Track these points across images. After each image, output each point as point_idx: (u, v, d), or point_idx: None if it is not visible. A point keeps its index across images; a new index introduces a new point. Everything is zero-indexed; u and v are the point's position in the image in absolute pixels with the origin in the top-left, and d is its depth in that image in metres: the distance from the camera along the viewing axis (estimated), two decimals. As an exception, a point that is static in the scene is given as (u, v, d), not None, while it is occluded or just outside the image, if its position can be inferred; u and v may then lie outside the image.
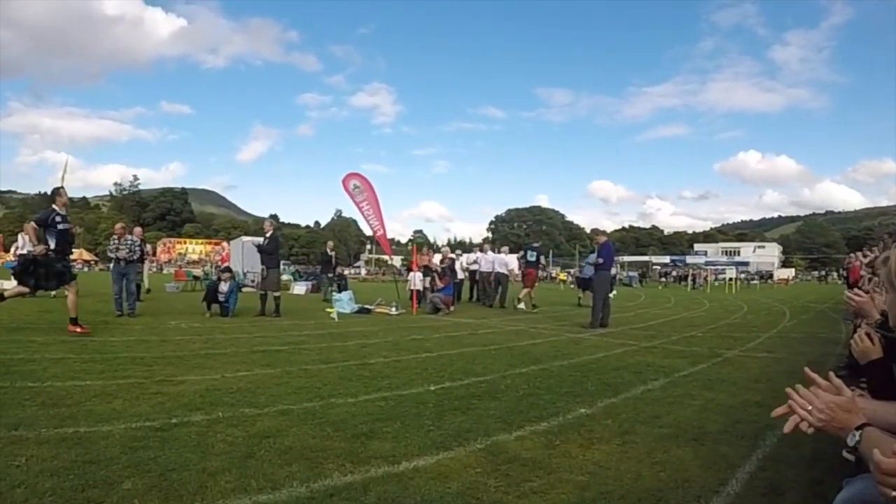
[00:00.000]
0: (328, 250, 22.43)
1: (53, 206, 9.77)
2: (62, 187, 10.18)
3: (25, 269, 9.44)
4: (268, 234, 15.43)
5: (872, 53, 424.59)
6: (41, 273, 9.36)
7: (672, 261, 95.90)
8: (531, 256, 19.67)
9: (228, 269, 14.86)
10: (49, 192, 10.75)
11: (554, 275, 57.50)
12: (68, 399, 5.18)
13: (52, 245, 9.46)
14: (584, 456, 4.03)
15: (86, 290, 16.94)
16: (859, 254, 17.27)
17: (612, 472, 3.71)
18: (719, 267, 61.79)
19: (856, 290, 3.41)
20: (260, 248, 15.21)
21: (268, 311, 14.41)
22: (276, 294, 14.87)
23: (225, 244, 38.59)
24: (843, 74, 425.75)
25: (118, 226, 14.30)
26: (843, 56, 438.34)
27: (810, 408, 1.72)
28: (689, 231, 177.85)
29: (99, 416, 4.67)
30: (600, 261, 13.72)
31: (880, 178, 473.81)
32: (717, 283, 45.39)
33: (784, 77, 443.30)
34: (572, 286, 34.23)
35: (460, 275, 19.67)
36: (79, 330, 9.42)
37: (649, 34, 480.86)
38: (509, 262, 21.01)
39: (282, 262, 16.73)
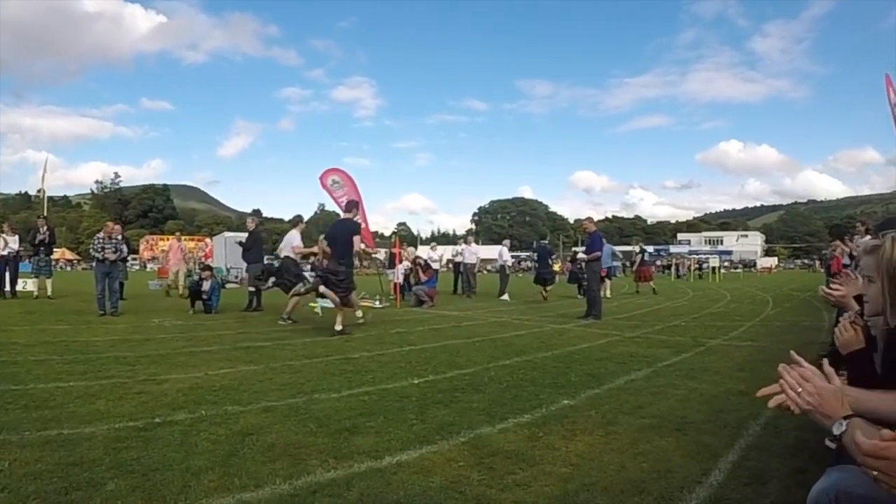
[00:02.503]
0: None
1: None
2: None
3: None
4: (250, 230, 15.54)
5: (852, 44, 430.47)
6: None
7: (656, 250, 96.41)
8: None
9: (209, 268, 14.81)
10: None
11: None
12: (51, 401, 5.14)
13: None
14: (568, 448, 4.04)
15: (68, 289, 16.94)
16: (839, 243, 17.40)
17: (595, 464, 3.72)
18: (702, 256, 62.04)
19: (833, 283, 3.42)
20: (241, 244, 15.35)
21: (252, 306, 14.55)
22: (251, 289, 15.01)
23: (208, 240, 38.22)
24: (823, 65, 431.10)
25: (109, 224, 14.15)
26: (823, 47, 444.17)
27: (800, 390, 1.73)
28: (672, 220, 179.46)
29: (82, 418, 4.64)
30: (598, 254, 13.66)
31: (861, 166, 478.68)
32: (700, 273, 45.51)
33: (764, 67, 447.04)
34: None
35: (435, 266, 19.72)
36: None
37: (630, 25, 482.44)
38: (504, 253, 21.42)
39: (265, 256, 16.67)
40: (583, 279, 17.09)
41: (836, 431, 1.64)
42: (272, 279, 13.95)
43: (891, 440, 1.30)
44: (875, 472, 1.28)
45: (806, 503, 1.83)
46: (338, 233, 10.79)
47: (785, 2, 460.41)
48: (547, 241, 25.65)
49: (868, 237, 11.79)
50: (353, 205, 11.24)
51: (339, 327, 9.92)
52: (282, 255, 13.84)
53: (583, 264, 15.77)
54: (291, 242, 13.34)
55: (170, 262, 16.46)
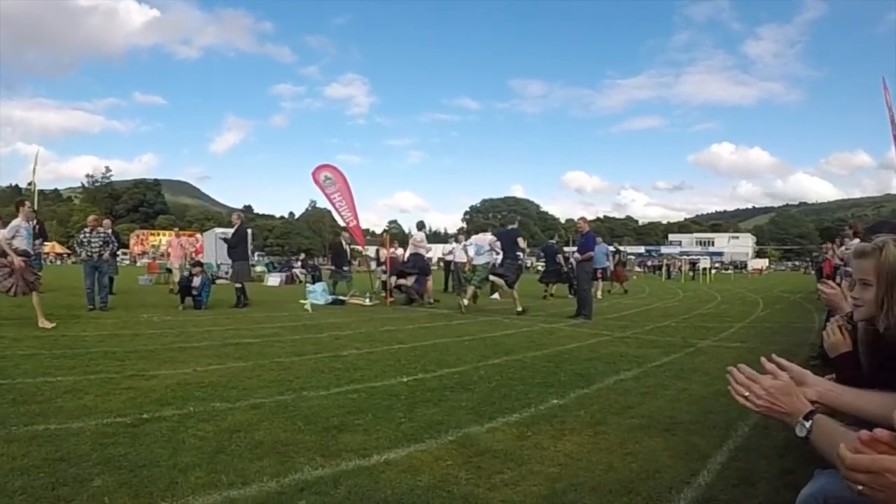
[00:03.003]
0: (343, 242, 19.69)
1: None
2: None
3: None
4: (235, 227, 15.55)
5: (845, 48, 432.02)
6: None
7: (647, 251, 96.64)
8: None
9: (199, 264, 14.80)
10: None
11: (528, 265, 57.80)
12: (39, 396, 5.12)
13: None
14: (556, 447, 4.04)
15: (58, 283, 16.86)
16: (831, 245, 17.45)
17: (583, 464, 3.73)
18: (694, 257, 62.20)
19: (829, 282, 3.43)
20: (226, 240, 15.44)
21: (241, 302, 14.61)
22: (237, 285, 15.07)
23: (199, 235, 38.07)
24: (816, 69, 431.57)
25: (90, 218, 14.10)
26: (816, 51, 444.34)
27: (747, 393, 1.71)
28: (664, 221, 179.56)
29: (70, 413, 4.62)
30: (591, 254, 13.79)
31: (853, 170, 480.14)
32: (692, 275, 45.60)
33: (757, 71, 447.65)
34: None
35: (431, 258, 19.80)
36: None
37: (624, 27, 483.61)
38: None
39: (256, 253, 16.70)
40: (573, 279, 17.19)
41: (799, 433, 1.62)
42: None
43: (869, 443, 1.29)
44: (860, 487, 1.27)
45: None
46: (504, 236, 14.50)
47: (778, 6, 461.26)
48: (555, 241, 25.61)
49: (857, 240, 11.86)
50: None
51: (519, 308, 13.59)
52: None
53: (573, 263, 15.84)
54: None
55: (171, 258, 16.35)
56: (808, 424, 1.60)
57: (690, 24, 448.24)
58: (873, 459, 1.24)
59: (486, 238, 14.89)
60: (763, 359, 1.86)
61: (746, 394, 1.70)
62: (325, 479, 3.37)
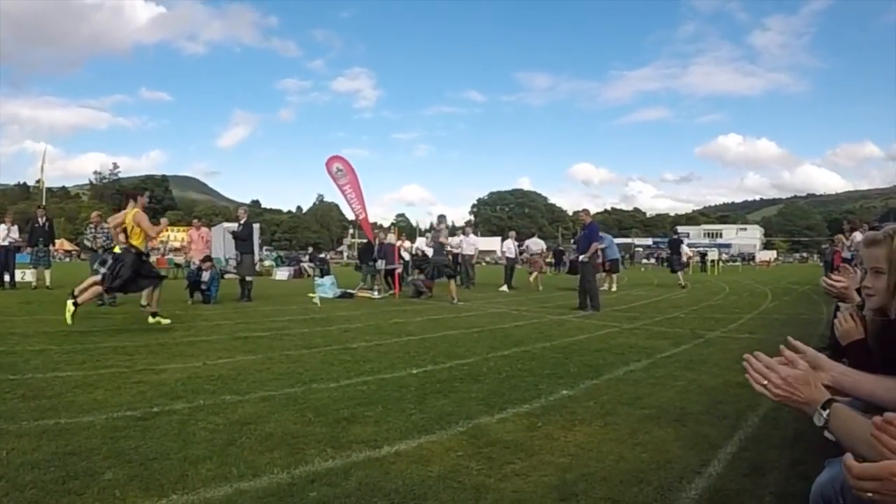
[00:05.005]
0: (391, 241, 18.37)
1: None
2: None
3: None
4: (242, 221, 15.71)
5: (852, 39, 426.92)
6: None
7: (654, 243, 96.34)
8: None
9: (208, 258, 14.82)
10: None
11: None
12: (49, 391, 5.13)
13: None
14: (566, 438, 4.04)
15: (67, 280, 16.85)
16: (841, 236, 17.34)
17: (593, 454, 3.72)
18: (701, 248, 62.00)
19: (834, 275, 3.41)
20: (235, 234, 15.55)
21: (245, 295, 14.71)
22: (249, 279, 15.16)
23: (205, 229, 38.10)
24: (824, 60, 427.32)
25: (94, 214, 14.17)
26: (823, 41, 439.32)
27: (765, 382, 1.70)
28: (672, 213, 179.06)
29: (80, 407, 4.63)
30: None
31: (861, 161, 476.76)
32: (702, 266, 45.45)
33: (764, 62, 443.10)
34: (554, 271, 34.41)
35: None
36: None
37: (629, 19, 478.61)
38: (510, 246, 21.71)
39: (265, 247, 16.72)
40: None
41: (817, 422, 1.61)
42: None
43: (883, 427, 1.27)
44: (869, 494, 1.26)
45: (810, 495, 1.81)
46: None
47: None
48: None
49: (855, 234, 11.84)
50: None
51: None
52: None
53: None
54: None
55: (191, 252, 16.32)
56: (825, 413, 1.59)
57: (697, 16, 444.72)
58: (880, 467, 1.23)
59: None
60: (782, 346, 1.84)
61: (765, 382, 1.69)
62: (335, 470, 3.37)
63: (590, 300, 12.98)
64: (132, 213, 9.30)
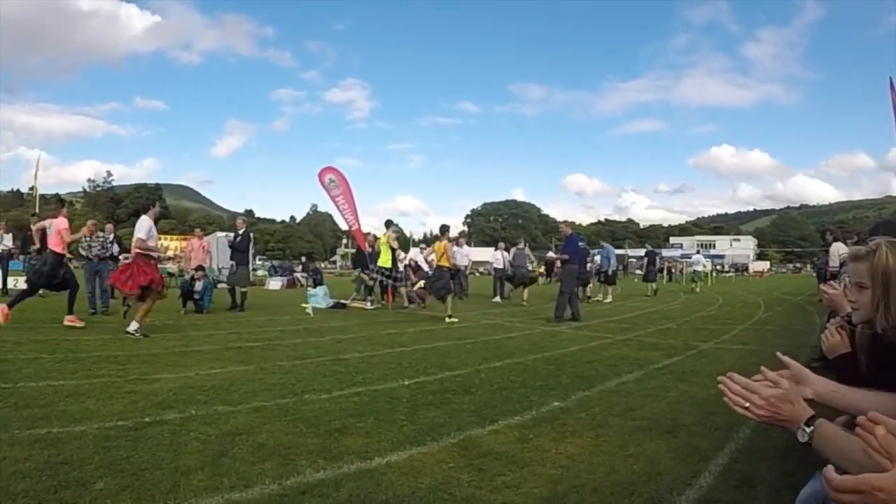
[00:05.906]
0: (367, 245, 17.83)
1: None
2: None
3: None
4: (240, 232, 15.66)
5: (844, 50, 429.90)
6: None
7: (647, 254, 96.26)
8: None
9: (201, 268, 14.79)
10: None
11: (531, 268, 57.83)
12: (41, 399, 5.12)
13: None
14: (558, 449, 4.05)
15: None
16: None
17: (584, 466, 3.73)
18: (691, 260, 62.08)
19: (830, 283, 3.44)
20: (232, 245, 15.49)
21: (238, 305, 14.69)
22: (244, 290, 15.14)
23: (206, 238, 37.98)
24: (816, 71, 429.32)
25: (89, 223, 14.13)
26: (815, 53, 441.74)
27: (747, 404, 1.72)
28: (665, 224, 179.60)
29: (72, 416, 4.62)
30: (565, 257, 13.63)
31: (853, 171, 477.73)
32: (692, 276, 45.48)
33: (757, 73, 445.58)
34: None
35: (426, 268, 19.57)
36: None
37: (623, 30, 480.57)
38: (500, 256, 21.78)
39: (258, 257, 16.70)
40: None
41: (801, 439, 1.62)
42: None
43: (868, 427, 1.28)
44: None
45: None
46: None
47: (777, 8, 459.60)
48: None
49: (838, 244, 11.89)
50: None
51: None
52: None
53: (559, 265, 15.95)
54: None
55: (192, 261, 16.22)
56: (809, 430, 1.60)
57: (689, 27, 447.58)
58: (860, 480, 1.24)
59: None
60: (763, 367, 1.86)
61: (746, 404, 1.70)
62: (326, 481, 3.38)
63: (556, 307, 13.02)
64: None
